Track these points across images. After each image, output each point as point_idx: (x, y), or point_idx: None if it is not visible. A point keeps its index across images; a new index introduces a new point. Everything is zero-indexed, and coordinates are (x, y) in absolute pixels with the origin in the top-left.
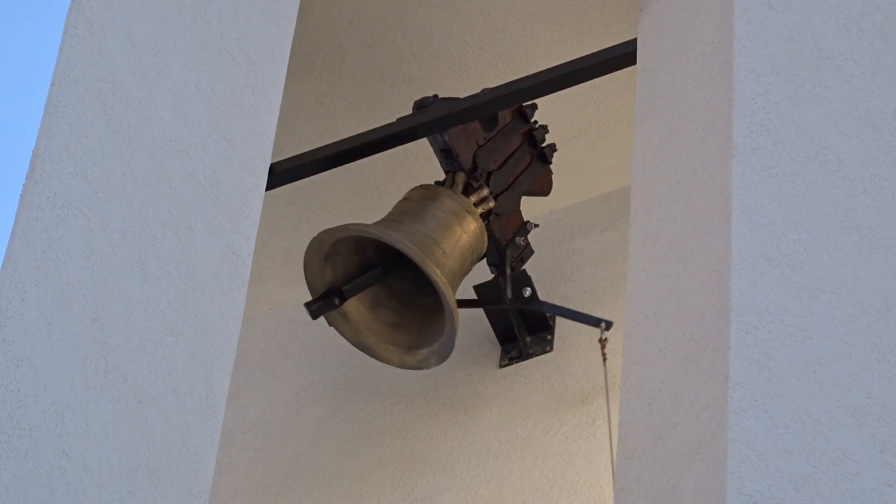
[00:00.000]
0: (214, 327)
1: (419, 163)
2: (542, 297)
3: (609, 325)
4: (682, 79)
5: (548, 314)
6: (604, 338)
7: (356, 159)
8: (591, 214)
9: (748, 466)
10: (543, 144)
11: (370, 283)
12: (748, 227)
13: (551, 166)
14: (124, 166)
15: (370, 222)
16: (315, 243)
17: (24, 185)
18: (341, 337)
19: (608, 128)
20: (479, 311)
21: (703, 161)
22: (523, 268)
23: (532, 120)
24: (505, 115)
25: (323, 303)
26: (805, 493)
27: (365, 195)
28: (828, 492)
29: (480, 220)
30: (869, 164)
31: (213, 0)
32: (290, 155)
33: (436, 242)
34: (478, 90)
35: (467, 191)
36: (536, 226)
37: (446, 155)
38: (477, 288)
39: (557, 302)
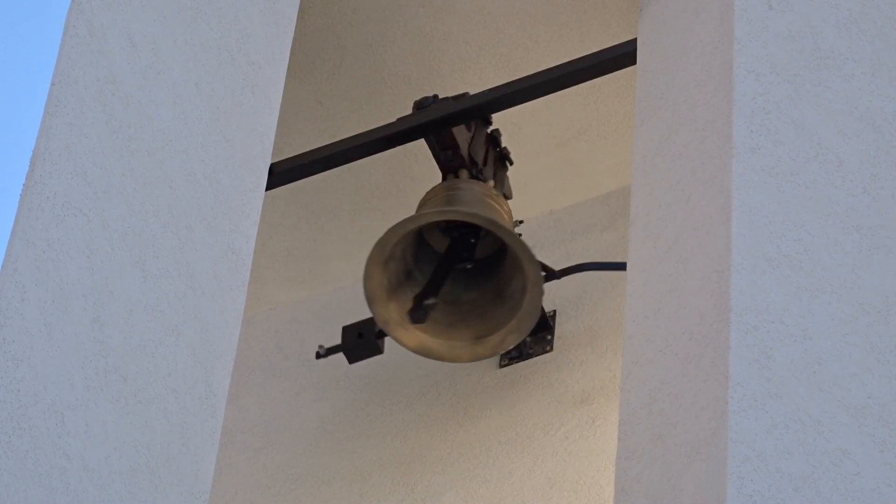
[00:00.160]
0: (214, 327)
1: (419, 163)
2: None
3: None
4: (682, 79)
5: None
6: None
7: (356, 159)
8: (591, 214)
9: (748, 466)
10: (500, 147)
11: (441, 279)
12: (748, 227)
13: (551, 166)
14: (124, 166)
15: (370, 222)
16: (379, 246)
17: (24, 185)
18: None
19: (608, 128)
20: None
21: (703, 161)
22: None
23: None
24: None
25: (423, 308)
26: (805, 493)
27: (365, 195)
28: (828, 492)
29: (506, 202)
30: (869, 164)
31: (213, 0)
32: (290, 155)
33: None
34: (478, 90)
35: None
36: (521, 222)
37: (449, 152)
38: None
39: (556, 301)
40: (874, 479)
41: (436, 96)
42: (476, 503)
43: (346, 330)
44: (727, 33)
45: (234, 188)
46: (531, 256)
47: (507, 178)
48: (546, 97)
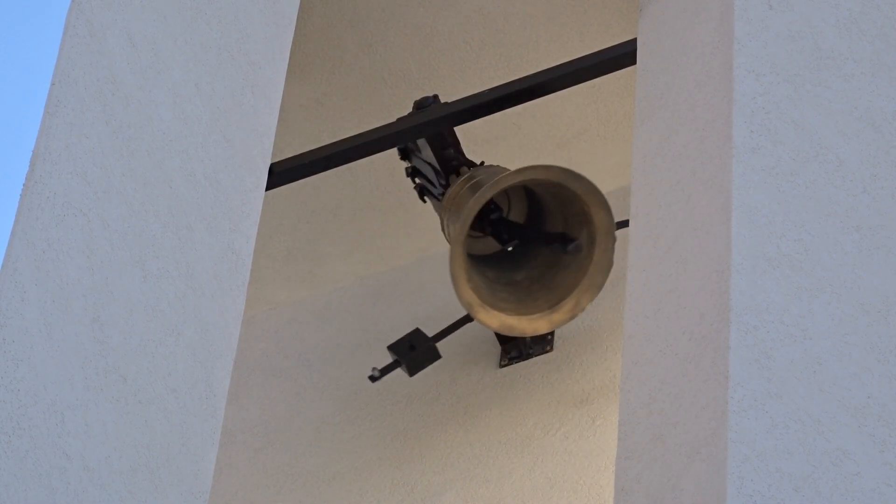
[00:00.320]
0: (214, 327)
1: None
2: None
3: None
4: (682, 79)
5: None
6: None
7: (356, 159)
8: None
9: (748, 466)
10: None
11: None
12: (748, 227)
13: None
14: (124, 166)
15: (370, 222)
16: (461, 225)
17: (24, 185)
18: (341, 337)
19: (608, 128)
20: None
21: (703, 161)
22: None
23: None
24: None
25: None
26: (805, 493)
27: (365, 195)
28: (828, 492)
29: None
30: (869, 164)
31: (213, 0)
32: (290, 155)
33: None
34: (478, 90)
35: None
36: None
37: (450, 150)
38: None
39: None
40: (874, 479)
41: (436, 96)
42: (476, 503)
43: (395, 347)
44: (727, 33)
45: (234, 188)
46: (604, 202)
47: None
48: (546, 97)
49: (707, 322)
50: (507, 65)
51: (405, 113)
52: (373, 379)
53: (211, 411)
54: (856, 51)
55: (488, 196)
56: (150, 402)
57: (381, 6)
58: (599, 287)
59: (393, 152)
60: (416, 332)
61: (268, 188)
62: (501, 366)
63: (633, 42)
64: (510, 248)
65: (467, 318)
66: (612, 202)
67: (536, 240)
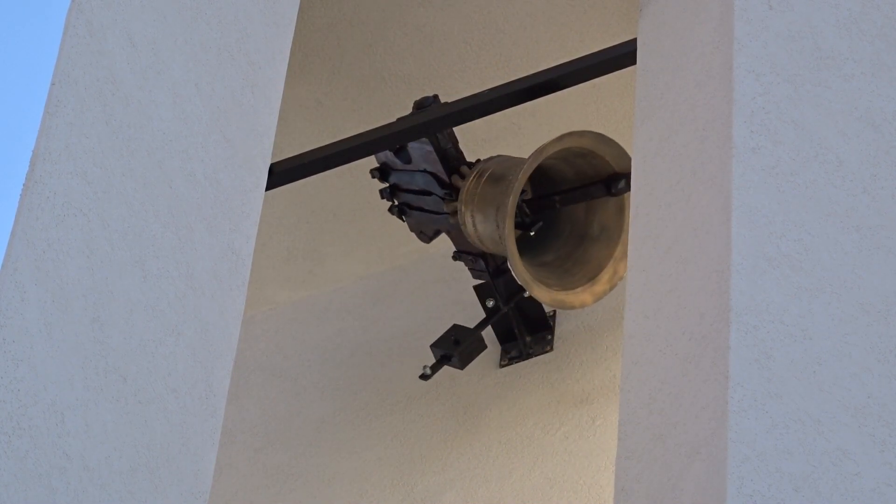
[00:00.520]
0: (214, 327)
1: None
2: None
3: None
4: (682, 79)
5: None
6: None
7: (356, 159)
8: None
9: (748, 466)
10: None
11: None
12: (748, 227)
13: None
14: (124, 166)
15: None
16: (512, 205)
17: (24, 185)
18: (341, 337)
19: (608, 128)
20: (479, 313)
21: (703, 161)
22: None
23: None
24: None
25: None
26: (805, 493)
27: (365, 195)
28: (828, 492)
29: None
30: (869, 164)
31: (213, 0)
32: (290, 155)
33: None
34: (478, 90)
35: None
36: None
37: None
38: (477, 288)
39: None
40: (874, 479)
41: (436, 96)
42: (476, 503)
43: (439, 344)
44: (727, 33)
45: (234, 188)
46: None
47: None
48: (546, 97)
49: (707, 322)
50: (507, 65)
51: (405, 113)
52: (425, 377)
53: (211, 411)
54: (856, 51)
55: (536, 164)
56: (150, 402)
57: (381, 6)
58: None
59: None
60: (456, 328)
61: (268, 188)
62: (501, 366)
63: (633, 42)
64: (533, 233)
65: (496, 311)
66: None
67: (577, 198)
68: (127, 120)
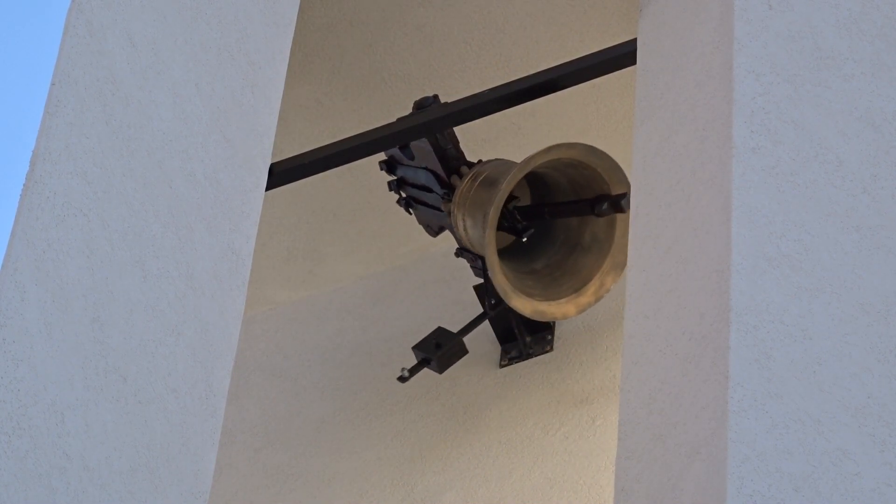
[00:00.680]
0: (214, 327)
1: None
2: None
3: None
4: (682, 79)
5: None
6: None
7: (356, 159)
8: None
9: (748, 466)
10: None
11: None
12: (748, 227)
13: None
14: (124, 166)
15: (370, 222)
16: (494, 213)
17: (24, 185)
18: (341, 337)
19: (608, 128)
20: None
21: (703, 161)
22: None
23: None
24: None
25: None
26: (805, 493)
27: (365, 195)
28: (828, 492)
29: None
30: (869, 164)
31: (213, 0)
32: (290, 155)
33: None
34: (478, 90)
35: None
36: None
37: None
38: (477, 288)
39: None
40: (874, 479)
41: (436, 96)
42: (476, 503)
43: (421, 347)
44: (727, 33)
45: (234, 188)
46: (626, 181)
47: None
48: (546, 97)
49: (707, 322)
50: (507, 65)
51: (405, 113)
52: (402, 379)
53: (211, 411)
54: (856, 51)
55: (521, 175)
56: (150, 402)
57: (381, 6)
58: (623, 267)
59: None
60: (440, 330)
61: (268, 188)
62: (501, 366)
63: (633, 42)
64: (525, 239)
65: (484, 315)
66: None
67: (564, 213)
68: (127, 120)
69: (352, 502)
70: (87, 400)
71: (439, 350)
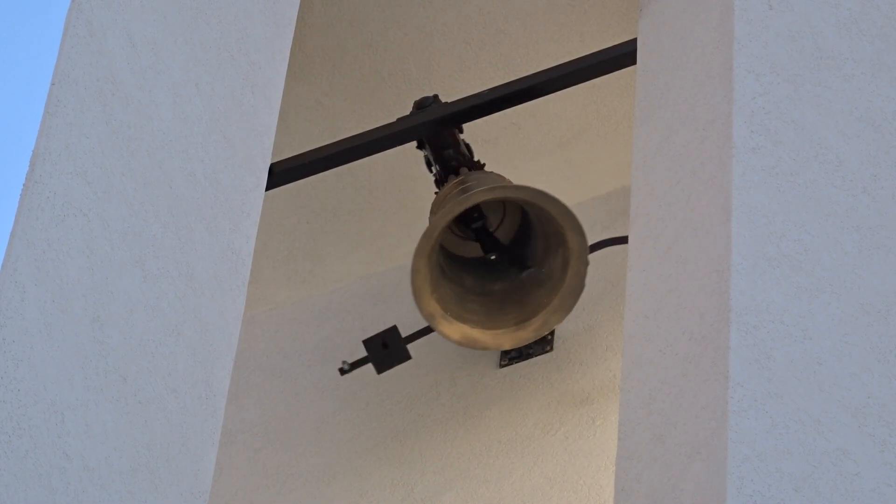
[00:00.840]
0: (214, 327)
1: (419, 163)
2: None
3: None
4: (682, 79)
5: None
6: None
7: (356, 159)
8: (591, 214)
9: (748, 466)
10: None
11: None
12: (748, 227)
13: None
14: (124, 166)
15: (370, 222)
16: (425, 238)
17: (24, 185)
18: (341, 337)
19: (608, 128)
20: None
21: (703, 161)
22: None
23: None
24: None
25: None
26: (805, 493)
27: (365, 195)
28: (828, 492)
29: None
30: (869, 164)
31: (213, 0)
32: (290, 155)
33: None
34: (478, 90)
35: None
36: None
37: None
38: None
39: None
40: (874, 479)
41: (436, 96)
42: (476, 503)
43: (369, 342)
44: (727, 33)
45: (234, 188)
46: (578, 226)
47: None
48: (546, 97)
49: (707, 322)
50: (507, 65)
51: (405, 113)
52: (342, 372)
53: (211, 411)
54: (856, 51)
55: (454, 214)
56: (150, 402)
57: (381, 6)
58: (569, 310)
59: (393, 152)
60: (393, 330)
61: (268, 188)
62: (501, 366)
63: (633, 42)
64: (492, 258)
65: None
66: (612, 202)
67: (508, 256)
68: (127, 120)
69: (352, 502)
70: (87, 400)
71: (384, 350)
